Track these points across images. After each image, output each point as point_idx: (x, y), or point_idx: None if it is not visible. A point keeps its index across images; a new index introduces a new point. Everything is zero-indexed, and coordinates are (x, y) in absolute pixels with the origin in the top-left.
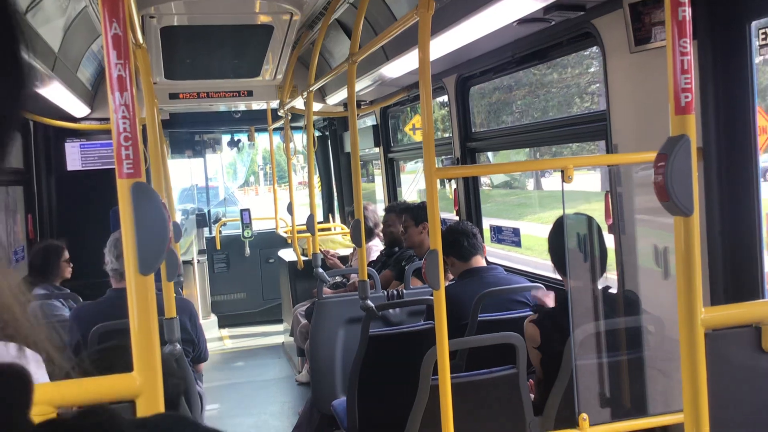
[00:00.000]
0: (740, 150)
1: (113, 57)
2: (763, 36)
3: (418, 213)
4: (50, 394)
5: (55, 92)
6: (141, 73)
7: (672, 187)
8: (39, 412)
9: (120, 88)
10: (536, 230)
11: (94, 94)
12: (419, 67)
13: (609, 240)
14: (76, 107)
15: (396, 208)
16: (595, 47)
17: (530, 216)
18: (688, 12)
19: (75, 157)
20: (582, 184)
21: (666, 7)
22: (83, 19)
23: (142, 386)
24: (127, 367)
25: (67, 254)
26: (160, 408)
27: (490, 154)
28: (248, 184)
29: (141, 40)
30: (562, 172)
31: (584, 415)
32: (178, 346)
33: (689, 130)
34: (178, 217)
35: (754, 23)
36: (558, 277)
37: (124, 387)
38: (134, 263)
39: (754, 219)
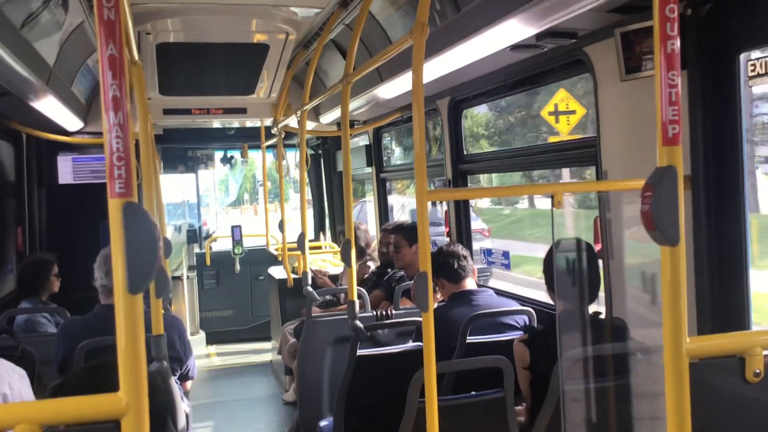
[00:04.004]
0: (728, 179)
1: (108, 77)
2: (752, 67)
3: (412, 233)
4: (35, 413)
5: (49, 106)
6: (135, 90)
7: (658, 216)
8: (23, 431)
9: (114, 108)
10: None
11: (88, 108)
12: (413, 90)
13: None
14: (70, 121)
15: (390, 228)
16: (586, 74)
17: None
18: (677, 45)
19: (67, 171)
20: None
21: (655, 39)
22: (79, 33)
23: (128, 406)
24: (114, 386)
25: (56, 268)
26: (146, 428)
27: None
28: (241, 202)
29: (137, 57)
30: (552, 197)
31: None
32: (165, 364)
33: (676, 161)
34: (169, 233)
35: (742, 55)
36: (549, 300)
37: (109, 407)
38: (123, 282)
39: (741, 248)
